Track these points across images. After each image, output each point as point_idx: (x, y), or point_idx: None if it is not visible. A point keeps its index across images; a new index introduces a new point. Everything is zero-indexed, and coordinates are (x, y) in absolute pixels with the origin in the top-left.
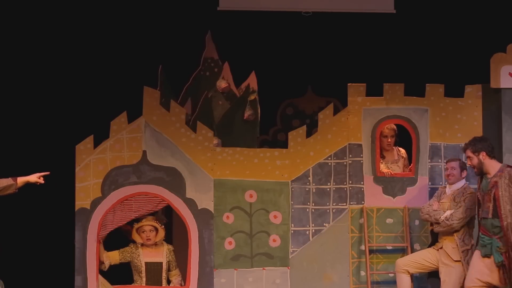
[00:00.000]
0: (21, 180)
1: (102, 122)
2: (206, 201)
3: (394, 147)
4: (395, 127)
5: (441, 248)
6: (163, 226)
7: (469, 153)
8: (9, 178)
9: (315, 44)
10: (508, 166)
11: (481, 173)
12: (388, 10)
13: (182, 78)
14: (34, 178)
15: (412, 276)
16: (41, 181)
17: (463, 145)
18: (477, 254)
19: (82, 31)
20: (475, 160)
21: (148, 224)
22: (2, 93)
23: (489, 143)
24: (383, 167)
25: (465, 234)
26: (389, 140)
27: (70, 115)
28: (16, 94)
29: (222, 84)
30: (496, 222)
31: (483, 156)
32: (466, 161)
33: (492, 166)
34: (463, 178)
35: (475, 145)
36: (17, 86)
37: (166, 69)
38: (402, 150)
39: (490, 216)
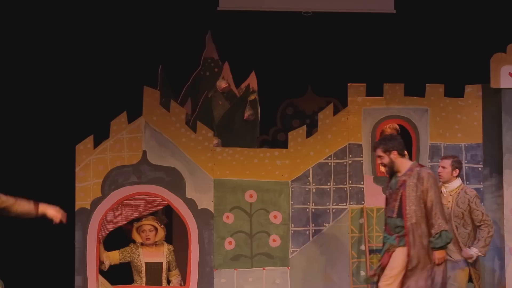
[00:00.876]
0: (41, 210)
1: (102, 122)
2: (206, 201)
3: None
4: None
5: None
6: (163, 226)
7: (380, 152)
8: (31, 203)
9: (315, 44)
10: (419, 165)
11: (392, 172)
12: (388, 10)
13: (182, 78)
14: (52, 212)
15: None
16: (57, 220)
17: (374, 143)
18: None
19: (82, 31)
20: (386, 159)
21: (147, 223)
22: (2, 93)
23: (399, 141)
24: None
25: (470, 240)
26: None
27: (70, 115)
28: (16, 94)
29: (222, 84)
30: (399, 221)
31: (394, 155)
32: (456, 160)
33: (403, 165)
34: (456, 177)
35: (386, 144)
36: (17, 86)
37: (166, 69)
38: (406, 153)
39: (394, 215)
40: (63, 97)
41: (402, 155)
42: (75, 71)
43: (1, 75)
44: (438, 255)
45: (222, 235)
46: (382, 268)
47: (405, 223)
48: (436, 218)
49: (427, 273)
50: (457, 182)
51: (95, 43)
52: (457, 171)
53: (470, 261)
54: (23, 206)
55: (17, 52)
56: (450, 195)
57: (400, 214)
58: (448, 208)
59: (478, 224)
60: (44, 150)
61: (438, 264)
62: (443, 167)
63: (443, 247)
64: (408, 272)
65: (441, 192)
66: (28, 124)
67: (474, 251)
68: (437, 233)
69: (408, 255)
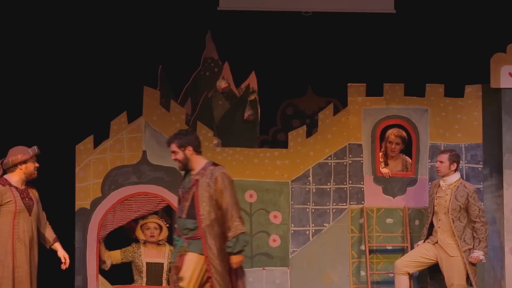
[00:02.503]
0: (55, 246)
1: (102, 122)
2: None
3: (401, 155)
4: (404, 134)
5: (436, 242)
6: (167, 225)
7: (174, 147)
8: (53, 235)
9: (315, 44)
10: (214, 164)
11: (185, 168)
12: (388, 10)
13: (182, 78)
14: (62, 253)
15: (412, 277)
16: (63, 262)
17: (169, 138)
18: None
19: (82, 31)
20: (180, 155)
21: (153, 221)
22: (2, 93)
23: (196, 137)
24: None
25: (466, 234)
26: (393, 146)
27: (70, 115)
28: (16, 94)
29: (222, 84)
30: (189, 223)
31: (189, 151)
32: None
33: (198, 163)
34: (454, 171)
35: (181, 139)
36: (17, 86)
37: (166, 69)
38: (409, 161)
39: (184, 215)
40: (63, 97)
41: (198, 152)
42: (75, 71)
43: (1, 75)
44: (235, 259)
45: None
46: (177, 272)
47: (199, 224)
48: (233, 221)
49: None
50: (456, 176)
51: (95, 43)
52: (455, 165)
53: (476, 262)
54: (48, 232)
55: (17, 52)
56: (449, 188)
57: (191, 215)
58: (445, 201)
59: (473, 219)
60: (44, 150)
61: (235, 268)
62: (441, 162)
63: (241, 252)
64: (217, 276)
65: (439, 185)
66: (28, 124)
67: (480, 254)
68: (234, 237)
69: (206, 258)
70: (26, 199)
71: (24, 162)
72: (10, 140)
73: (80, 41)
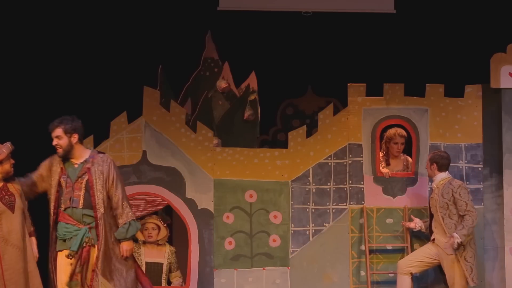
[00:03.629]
0: (31, 238)
1: (102, 122)
2: (206, 201)
3: (403, 155)
4: (405, 133)
5: (433, 240)
6: (165, 225)
7: (60, 132)
8: (32, 229)
9: (315, 44)
10: (99, 152)
11: (65, 156)
12: (388, 10)
13: (182, 78)
14: (35, 250)
15: (412, 276)
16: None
17: (53, 122)
18: None
19: (82, 31)
20: (64, 141)
21: (150, 221)
22: (1, 94)
23: (82, 125)
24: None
25: (456, 230)
26: (399, 147)
27: (70, 115)
28: (16, 94)
29: (222, 84)
30: (87, 212)
31: (74, 138)
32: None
33: (81, 151)
34: (437, 171)
35: (68, 124)
36: (17, 86)
37: (166, 69)
38: (410, 160)
39: (81, 206)
40: (63, 97)
41: (81, 141)
42: (75, 71)
43: (1, 75)
44: (125, 246)
45: (222, 235)
46: (83, 265)
47: (95, 213)
48: (124, 208)
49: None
50: (442, 175)
51: (95, 43)
52: (435, 165)
53: (454, 247)
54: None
55: (17, 52)
56: (437, 187)
57: (88, 204)
58: (435, 200)
59: (462, 214)
60: (45, 150)
61: (125, 257)
62: (426, 165)
63: (131, 238)
64: (108, 268)
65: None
66: (29, 124)
67: (455, 235)
68: (126, 223)
69: (98, 249)
70: (6, 197)
71: (0, 162)
72: (10, 139)
73: (80, 41)
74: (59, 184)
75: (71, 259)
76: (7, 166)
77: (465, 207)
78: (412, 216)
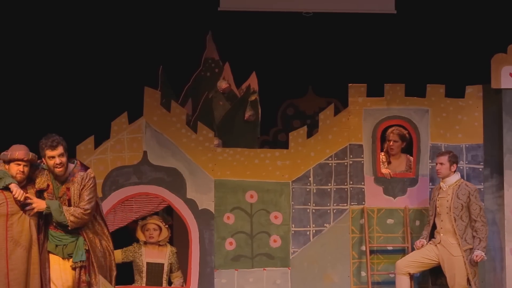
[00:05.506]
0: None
1: (103, 122)
2: (206, 202)
3: (405, 155)
4: (403, 132)
5: (439, 243)
6: (167, 226)
7: (62, 149)
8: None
9: (316, 44)
10: (82, 166)
11: (64, 175)
12: (388, 10)
13: (183, 78)
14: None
15: (412, 277)
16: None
17: (55, 137)
18: None
19: (82, 31)
20: (65, 159)
21: (152, 222)
22: (2, 93)
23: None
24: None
25: (467, 233)
26: (392, 144)
27: (71, 115)
28: (16, 94)
29: (222, 84)
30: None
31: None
32: (452, 155)
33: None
34: (454, 172)
35: (64, 141)
36: (18, 86)
37: (167, 70)
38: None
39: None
40: (63, 98)
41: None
42: (76, 72)
43: (2, 76)
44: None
45: (222, 235)
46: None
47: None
48: (78, 207)
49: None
50: (456, 177)
51: (95, 44)
52: (455, 166)
53: (479, 260)
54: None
55: (18, 52)
56: (450, 188)
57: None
58: (447, 201)
59: (474, 218)
60: None
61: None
62: (441, 164)
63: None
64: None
65: (440, 188)
66: (29, 124)
67: (479, 253)
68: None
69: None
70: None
71: (8, 162)
72: (11, 140)
73: (80, 41)
74: (42, 196)
75: (74, 269)
76: (26, 169)
77: (478, 212)
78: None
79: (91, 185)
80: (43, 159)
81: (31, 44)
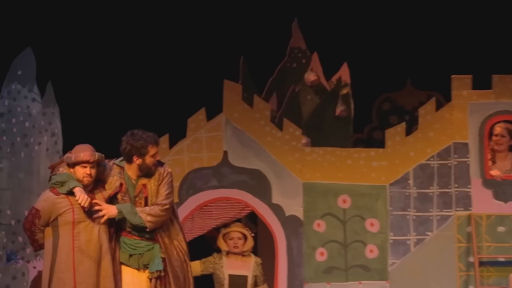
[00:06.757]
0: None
1: (179, 119)
2: (294, 207)
3: (510, 154)
4: (511, 127)
5: None
6: (253, 235)
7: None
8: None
9: (415, 32)
10: (159, 162)
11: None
12: None
13: (266, 70)
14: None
15: None
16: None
17: (154, 136)
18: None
19: (157, 23)
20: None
21: (237, 230)
22: (77, 92)
23: None
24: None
25: None
26: (499, 139)
27: (143, 112)
28: (88, 91)
29: (310, 76)
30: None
31: None
32: None
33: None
34: None
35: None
36: (91, 83)
37: (248, 61)
38: None
39: None
40: (135, 93)
41: None
42: (150, 65)
43: (82, 74)
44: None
45: (312, 245)
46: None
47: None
48: (153, 206)
49: None
50: None
51: (170, 34)
52: None
53: None
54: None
55: (91, 50)
56: None
57: None
58: None
59: None
60: (116, 152)
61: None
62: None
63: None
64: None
65: None
66: (101, 123)
67: None
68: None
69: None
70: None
71: (73, 165)
72: (79, 140)
73: (154, 32)
74: (115, 197)
75: (151, 280)
76: (93, 171)
77: None
78: None
79: (169, 180)
80: (135, 157)
81: (103, 40)
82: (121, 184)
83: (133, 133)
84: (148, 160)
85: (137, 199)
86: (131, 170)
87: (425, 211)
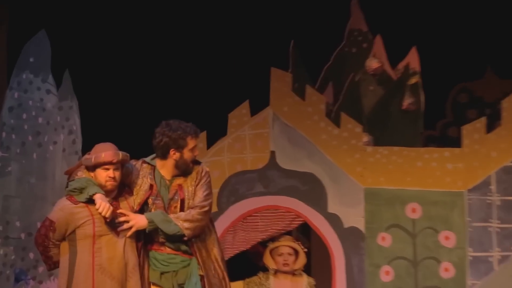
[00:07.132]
0: None
1: (218, 114)
2: (354, 218)
3: None
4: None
5: None
6: (305, 250)
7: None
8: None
9: (495, 11)
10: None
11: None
12: None
13: (321, 56)
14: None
15: None
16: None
17: (194, 127)
18: None
19: (198, 8)
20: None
21: (286, 244)
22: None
23: None
24: None
25: None
26: None
27: (177, 107)
28: (120, 88)
29: (373, 64)
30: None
31: None
32: None
33: None
34: None
35: None
36: (120, 81)
37: (300, 45)
38: None
39: None
40: (168, 85)
41: None
42: (184, 50)
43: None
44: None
45: (376, 262)
46: None
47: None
48: (189, 211)
49: None
50: None
51: (209, 13)
52: None
53: None
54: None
55: (128, 47)
56: None
57: None
58: None
59: None
60: (148, 152)
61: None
62: None
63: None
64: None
65: None
66: (135, 120)
67: None
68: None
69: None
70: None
71: (93, 167)
72: (103, 139)
73: (189, 13)
74: (145, 203)
75: None
76: (117, 174)
77: None
78: None
79: (208, 180)
80: (172, 150)
81: (127, 21)
82: (151, 186)
83: (169, 123)
84: (187, 154)
85: (171, 202)
86: (165, 168)
87: (510, 222)
